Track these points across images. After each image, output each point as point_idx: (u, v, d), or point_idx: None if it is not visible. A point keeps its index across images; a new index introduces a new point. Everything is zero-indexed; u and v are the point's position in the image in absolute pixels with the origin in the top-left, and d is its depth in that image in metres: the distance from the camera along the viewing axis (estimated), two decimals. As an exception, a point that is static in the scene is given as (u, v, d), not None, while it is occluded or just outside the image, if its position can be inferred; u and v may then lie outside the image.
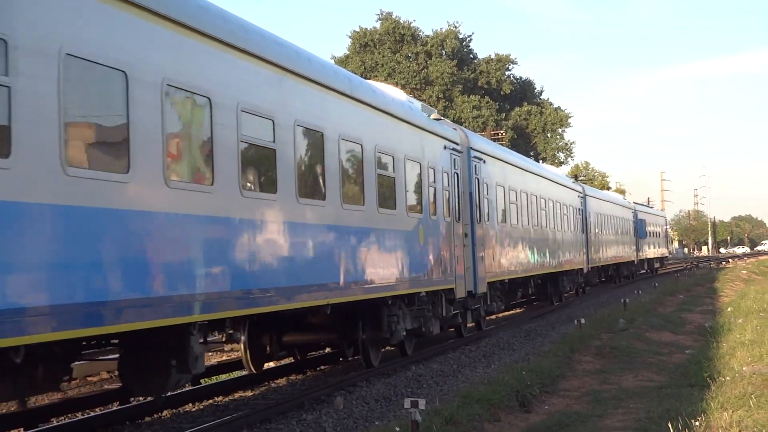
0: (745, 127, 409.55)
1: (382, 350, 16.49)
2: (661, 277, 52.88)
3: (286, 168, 11.26)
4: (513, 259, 23.80)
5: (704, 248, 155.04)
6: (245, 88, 10.42)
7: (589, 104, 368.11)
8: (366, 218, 13.86)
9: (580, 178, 73.47)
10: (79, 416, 11.76)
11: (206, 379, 15.15)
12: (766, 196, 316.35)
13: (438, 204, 17.57)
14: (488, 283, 20.87)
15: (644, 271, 57.51)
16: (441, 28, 77.11)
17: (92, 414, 11.75)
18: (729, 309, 24.97)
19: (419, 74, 73.65)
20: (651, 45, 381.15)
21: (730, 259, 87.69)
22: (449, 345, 19.32)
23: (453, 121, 43.42)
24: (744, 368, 12.89)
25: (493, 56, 79.64)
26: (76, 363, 9.91)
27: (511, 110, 79.91)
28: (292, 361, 16.43)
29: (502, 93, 78.57)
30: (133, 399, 12.19)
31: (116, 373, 11.75)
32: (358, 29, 76.06)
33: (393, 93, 17.36)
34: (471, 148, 20.31)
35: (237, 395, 13.70)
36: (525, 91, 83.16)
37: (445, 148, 18.43)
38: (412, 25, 75.92)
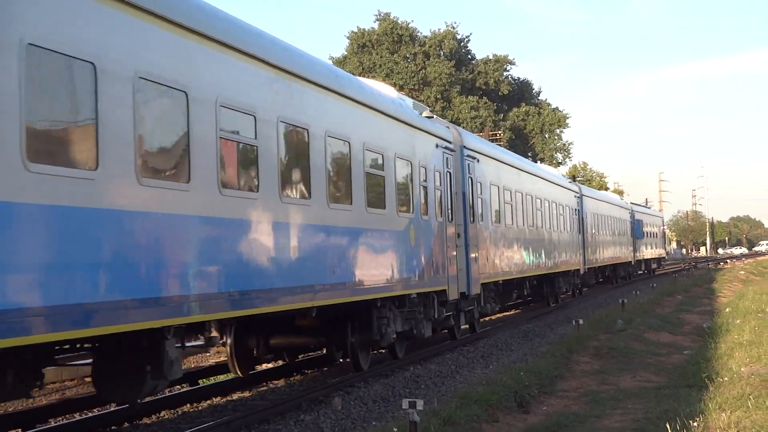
0: (744, 127, 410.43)
1: (374, 353, 16.16)
2: (659, 277, 52.62)
3: (269, 166, 10.88)
4: (508, 259, 23.42)
5: (702, 249, 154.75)
6: (224, 83, 10.04)
7: (588, 104, 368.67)
8: (354, 218, 13.48)
9: (578, 179, 73.18)
10: (77, 417, 11.63)
11: (204, 380, 15.04)
12: (764, 197, 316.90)
13: (430, 204, 17.20)
14: (482, 284, 20.49)
15: (641, 272, 57.25)
16: (439, 29, 76.93)
17: (90, 414, 11.59)
18: (727, 310, 24.86)
19: (417, 75, 73.38)
20: (651, 45, 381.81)
21: (728, 260, 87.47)
22: (445, 346, 19.07)
23: (451, 121, 43.06)
24: (742, 369, 12.83)
25: (491, 57, 79.39)
26: (48, 368, 9.49)
27: (509, 111, 79.63)
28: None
29: (500, 94, 78.30)
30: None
31: (89, 379, 11.38)
32: (356, 30, 75.81)
33: (383, 90, 17.00)
34: (464, 146, 19.94)
35: (235, 396, 13.66)
36: (523, 92, 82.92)
37: (437, 146, 18.06)
38: (410, 25, 75.69)
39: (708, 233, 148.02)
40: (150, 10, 8.62)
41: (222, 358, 17.34)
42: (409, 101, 18.32)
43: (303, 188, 11.96)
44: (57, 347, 8.85)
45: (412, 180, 16.28)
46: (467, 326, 21.29)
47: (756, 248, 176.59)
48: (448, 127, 19.96)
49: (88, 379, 14.97)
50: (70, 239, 7.49)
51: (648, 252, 58.75)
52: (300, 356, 16.68)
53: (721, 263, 76.54)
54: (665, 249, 78.08)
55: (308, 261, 11.86)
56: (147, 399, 12.09)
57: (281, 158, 11.26)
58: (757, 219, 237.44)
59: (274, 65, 11.23)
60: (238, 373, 14.13)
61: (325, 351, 15.99)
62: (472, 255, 19.59)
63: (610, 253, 43.40)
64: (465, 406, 10.52)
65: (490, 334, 21.52)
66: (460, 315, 19.72)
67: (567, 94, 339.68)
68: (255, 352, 14.32)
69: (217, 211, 9.66)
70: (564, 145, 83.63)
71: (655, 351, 17.19)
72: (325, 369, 16.27)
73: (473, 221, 20.02)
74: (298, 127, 11.79)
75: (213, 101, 9.68)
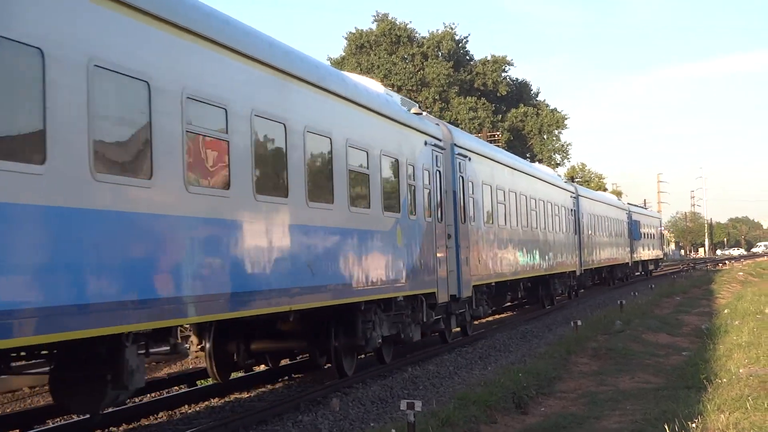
0: (743, 127, 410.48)
1: (361, 357, 15.60)
2: (657, 279, 52.22)
3: (241, 162, 10.30)
4: (501, 261, 22.85)
5: (701, 250, 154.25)
6: (192, 73, 9.47)
7: (587, 104, 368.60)
8: (335, 218, 12.90)
9: (576, 180, 72.79)
10: (75, 418, 11.40)
11: (202, 381, 14.89)
12: (763, 198, 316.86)
13: (418, 203, 16.62)
14: (474, 286, 19.94)
15: (639, 274, 56.81)
16: (437, 30, 76.90)
17: (88, 415, 11.03)
18: (726, 311, 24.86)
19: (415, 75, 73.08)
20: (650, 45, 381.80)
21: (726, 261, 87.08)
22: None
23: (449, 122, 42.41)
24: (741, 370, 12.79)
25: (489, 58, 79.05)
26: (2, 377, 8.93)
27: (508, 112, 79.33)
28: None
29: (498, 95, 78.05)
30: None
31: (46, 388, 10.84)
32: (354, 30, 75.62)
33: (370, 85, 16.43)
34: (455, 144, 19.38)
35: (233, 397, 13.60)
36: (521, 93, 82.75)
37: (426, 143, 17.50)
38: (408, 26, 75.66)
39: (706, 234, 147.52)
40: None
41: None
42: (397, 97, 17.74)
43: (279, 186, 11.39)
44: (13, 354, 8.31)
45: (399, 178, 15.71)
46: (458, 329, 20.71)
47: (753, 249, 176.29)
48: (437, 124, 19.38)
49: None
50: (13, 240, 6.91)
51: (645, 253, 58.32)
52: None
53: (720, 264, 76.18)
54: (663, 250, 77.58)
55: (285, 263, 11.28)
56: (144, 399, 12.67)
57: (255, 154, 10.67)
58: (755, 220, 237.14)
59: (248, 56, 10.66)
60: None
61: (307, 356, 15.48)
62: (463, 256, 19.03)
63: (606, 254, 42.90)
64: (463, 407, 10.54)
65: (488, 336, 21.33)
66: (451, 318, 19.15)
67: (566, 95, 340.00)
68: (235, 357, 13.79)
69: (182, 209, 9.08)
70: (562, 145, 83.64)
71: (654, 352, 17.12)
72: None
73: (464, 221, 19.46)
74: (274, 121, 11.22)
75: (179, 92, 9.11)
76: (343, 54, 74.98)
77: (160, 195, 8.70)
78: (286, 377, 15.54)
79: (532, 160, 67.36)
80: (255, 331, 13.57)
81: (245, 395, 13.67)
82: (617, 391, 12.92)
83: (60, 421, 11.35)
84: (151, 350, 9.13)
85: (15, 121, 7.15)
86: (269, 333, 13.69)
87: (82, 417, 11.14)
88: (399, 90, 66.50)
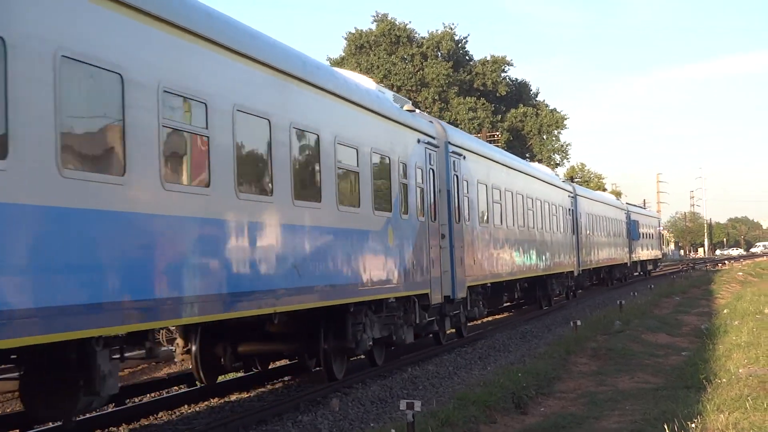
0: (743, 127, 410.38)
1: (352, 359, 15.23)
2: (656, 279, 51.92)
3: (223, 158, 9.92)
4: (497, 261, 22.47)
5: (700, 250, 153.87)
6: (170, 65, 9.09)
7: (588, 105, 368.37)
8: (323, 217, 12.52)
9: (575, 180, 72.42)
10: (75, 418, 10.98)
11: None
12: (763, 198, 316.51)
13: (410, 202, 16.24)
14: (469, 287, 19.56)
15: (637, 274, 56.50)
16: (437, 30, 76.54)
17: (88, 415, 11.12)
18: (725, 311, 24.76)
19: (415, 76, 72.79)
20: (650, 46, 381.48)
21: (726, 261, 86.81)
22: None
23: (449, 122, 42.05)
24: (740, 370, 12.79)
25: (489, 58, 78.75)
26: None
27: (507, 112, 79.02)
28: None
29: (497, 95, 77.74)
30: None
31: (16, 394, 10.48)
32: (353, 31, 75.28)
33: (360, 81, 16.06)
34: (449, 142, 19.00)
35: (233, 397, 13.56)
36: (521, 93, 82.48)
37: (419, 141, 17.12)
38: (407, 26, 75.31)
39: (706, 234, 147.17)
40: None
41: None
42: (390, 93, 17.38)
43: (263, 184, 11.01)
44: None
45: (390, 176, 15.33)
46: (453, 331, 20.33)
47: (752, 249, 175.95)
48: (431, 121, 19.01)
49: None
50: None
51: (644, 253, 58.01)
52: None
53: (719, 264, 75.93)
54: (662, 250, 77.25)
55: (269, 263, 10.91)
56: (144, 399, 12.73)
57: (237, 151, 10.29)
58: (755, 220, 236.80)
59: (230, 48, 10.28)
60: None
61: (296, 359, 15.11)
62: (458, 256, 18.65)
63: (605, 254, 42.55)
64: (463, 407, 10.55)
65: (488, 336, 21.17)
66: (445, 320, 18.78)
67: (566, 95, 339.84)
68: (222, 360, 13.43)
69: (158, 208, 8.69)
70: (562, 146, 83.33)
71: (653, 352, 17.07)
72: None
73: (459, 221, 19.09)
74: (257, 116, 10.84)
75: (155, 86, 8.73)
76: (343, 54, 74.69)
77: (134, 192, 8.32)
78: (287, 377, 15.35)
79: (532, 160, 67.08)
80: (243, 333, 13.21)
81: (245, 395, 13.60)
82: (617, 391, 12.89)
83: (60, 421, 11.03)
84: (126, 354, 8.74)
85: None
86: (257, 335, 13.33)
87: (81, 417, 10.85)
88: (399, 90, 66.23)
